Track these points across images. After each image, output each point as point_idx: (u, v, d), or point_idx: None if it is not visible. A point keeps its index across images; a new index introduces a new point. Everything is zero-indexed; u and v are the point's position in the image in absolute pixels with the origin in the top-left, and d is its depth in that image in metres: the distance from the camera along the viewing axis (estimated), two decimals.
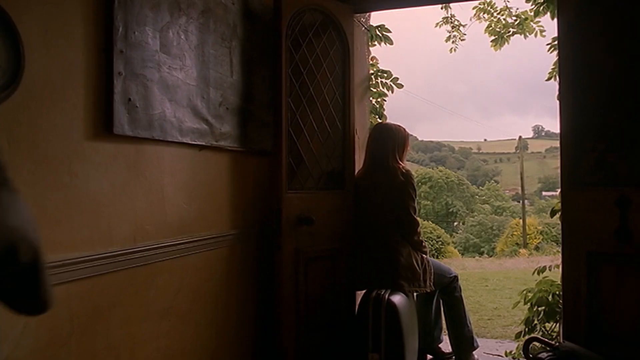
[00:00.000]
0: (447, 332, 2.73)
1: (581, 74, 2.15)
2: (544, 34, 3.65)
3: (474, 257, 17.74)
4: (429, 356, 2.72)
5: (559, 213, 2.41)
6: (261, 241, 2.26)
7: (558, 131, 2.25)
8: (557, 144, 2.29)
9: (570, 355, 1.97)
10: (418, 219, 2.54)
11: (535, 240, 20.63)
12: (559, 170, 2.27)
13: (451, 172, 36.65)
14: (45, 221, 1.25)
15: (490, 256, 18.65)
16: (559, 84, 2.25)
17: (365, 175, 2.55)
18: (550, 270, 3.02)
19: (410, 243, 2.46)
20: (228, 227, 2.05)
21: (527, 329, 2.90)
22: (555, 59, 2.89)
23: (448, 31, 4.31)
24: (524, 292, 3.00)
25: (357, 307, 2.36)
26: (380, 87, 3.41)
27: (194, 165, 1.86)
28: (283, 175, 2.26)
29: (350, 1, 2.65)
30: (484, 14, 3.98)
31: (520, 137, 34.91)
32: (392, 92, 3.42)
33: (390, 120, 3.40)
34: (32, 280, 0.64)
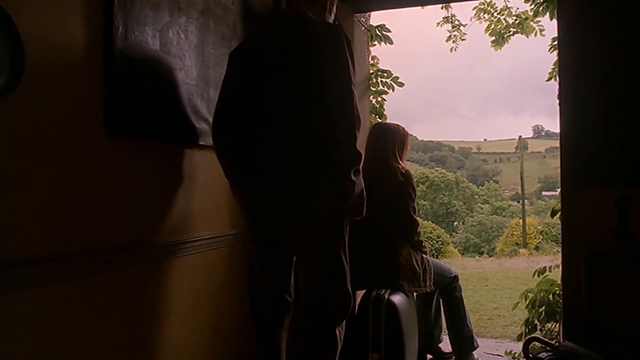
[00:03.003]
0: (447, 331, 2.73)
1: (581, 73, 2.15)
2: (543, 33, 3.65)
3: (473, 257, 17.76)
4: (429, 356, 2.72)
5: (559, 213, 2.41)
6: None
7: (558, 131, 2.26)
8: (557, 143, 2.29)
9: (570, 355, 1.97)
10: (418, 218, 2.54)
11: (535, 240, 20.66)
12: (558, 170, 2.27)
13: (448, 172, 36.69)
14: (45, 221, 1.25)
15: (490, 256, 18.67)
16: (559, 84, 2.25)
17: (365, 175, 2.54)
18: (550, 270, 3.03)
19: (410, 243, 2.46)
20: (228, 227, 2.05)
21: (527, 329, 2.90)
22: (555, 59, 2.89)
23: (449, 31, 4.32)
24: (524, 292, 3.01)
25: (357, 306, 2.36)
26: (381, 86, 3.42)
27: (193, 165, 1.86)
28: None
29: (350, 1, 2.65)
30: (484, 14, 3.98)
31: (520, 136, 34.99)
32: (393, 91, 3.43)
33: (389, 119, 3.41)
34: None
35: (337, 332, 1.71)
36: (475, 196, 36.37)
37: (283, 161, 1.61)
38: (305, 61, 1.60)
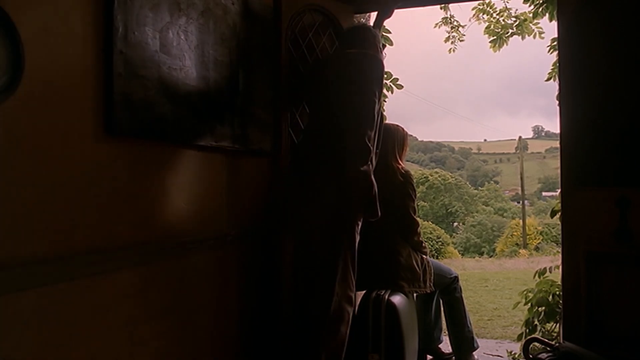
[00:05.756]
0: (447, 332, 2.73)
1: (581, 74, 2.15)
2: (542, 35, 3.66)
3: (474, 258, 17.76)
4: (429, 356, 2.72)
5: (559, 213, 2.41)
6: (261, 241, 2.26)
7: (558, 131, 2.26)
8: (557, 144, 2.30)
9: (570, 356, 1.97)
10: (417, 219, 2.54)
11: (535, 240, 20.68)
12: (559, 171, 2.27)
13: (447, 173, 36.71)
14: (45, 221, 1.25)
15: (491, 256, 18.68)
16: (559, 85, 2.25)
17: None
18: (550, 271, 3.03)
19: (410, 243, 2.46)
20: (228, 228, 2.05)
21: (527, 330, 2.90)
22: (553, 59, 2.90)
23: (447, 32, 4.33)
24: (524, 292, 3.01)
25: (357, 307, 2.36)
26: None
27: (193, 165, 1.86)
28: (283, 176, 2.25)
29: (350, 1, 2.65)
30: (483, 14, 3.98)
31: (520, 137, 34.94)
32: (392, 93, 3.43)
33: (388, 120, 3.41)
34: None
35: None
36: (475, 197, 36.37)
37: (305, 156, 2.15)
38: (327, 83, 2.10)
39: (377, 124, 2.06)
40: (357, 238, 2.01)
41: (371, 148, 1.92)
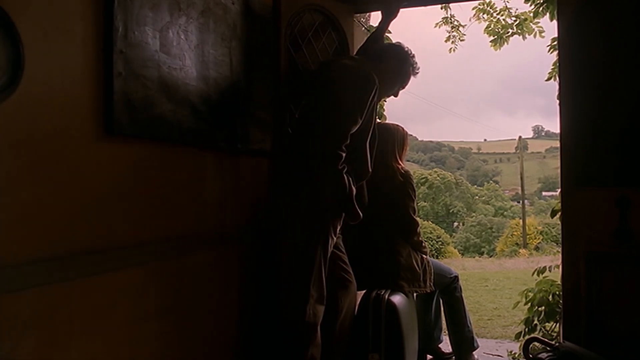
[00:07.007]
0: (447, 332, 2.73)
1: (581, 74, 2.15)
2: (542, 35, 3.66)
3: (474, 257, 17.76)
4: (429, 356, 2.72)
5: (559, 213, 2.41)
6: (261, 241, 2.26)
7: (558, 131, 2.26)
8: (557, 144, 2.29)
9: (570, 356, 1.97)
10: (417, 219, 2.54)
11: (535, 240, 20.67)
12: (559, 170, 2.27)
13: (447, 173, 36.71)
14: (46, 221, 1.25)
15: (491, 256, 18.68)
16: (559, 84, 2.25)
17: None
18: (550, 270, 3.03)
19: (410, 243, 2.46)
20: (228, 228, 2.05)
21: (527, 329, 2.90)
22: (553, 59, 2.90)
23: (448, 31, 4.33)
24: (524, 292, 3.01)
25: (357, 307, 2.36)
26: None
27: (193, 165, 1.85)
28: None
29: (350, 1, 2.65)
30: (483, 14, 3.99)
31: (520, 137, 34.92)
32: None
33: (388, 120, 3.41)
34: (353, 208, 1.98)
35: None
36: (475, 197, 36.38)
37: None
38: (321, 90, 2.09)
39: (370, 132, 2.06)
40: (333, 240, 1.99)
41: (342, 155, 1.91)
